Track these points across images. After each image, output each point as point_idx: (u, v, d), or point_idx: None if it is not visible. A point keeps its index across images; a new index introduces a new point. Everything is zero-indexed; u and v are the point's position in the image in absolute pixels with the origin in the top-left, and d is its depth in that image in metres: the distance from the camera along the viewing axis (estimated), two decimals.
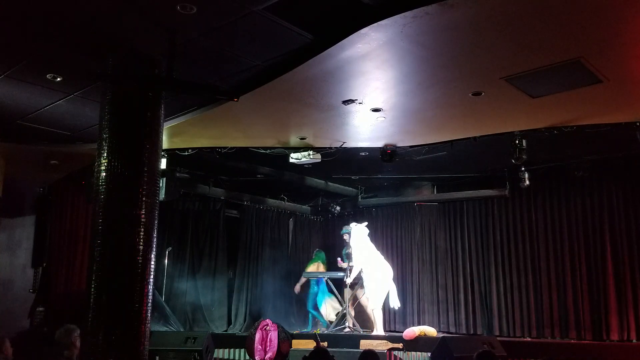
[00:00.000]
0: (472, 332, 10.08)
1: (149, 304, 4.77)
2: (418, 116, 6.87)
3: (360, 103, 6.25)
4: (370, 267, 9.18)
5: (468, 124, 7.12)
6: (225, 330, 10.31)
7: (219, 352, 8.05)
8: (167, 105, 5.36)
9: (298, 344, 7.92)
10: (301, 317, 11.33)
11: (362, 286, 9.36)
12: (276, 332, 7.76)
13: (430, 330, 8.93)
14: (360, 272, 9.21)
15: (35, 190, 9.19)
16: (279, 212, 11.91)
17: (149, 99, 5.02)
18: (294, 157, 8.08)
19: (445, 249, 10.74)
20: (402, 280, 11.05)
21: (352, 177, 10.48)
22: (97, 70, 5.02)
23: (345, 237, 9.71)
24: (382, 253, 11.29)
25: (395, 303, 9.16)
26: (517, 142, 7.37)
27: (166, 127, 6.30)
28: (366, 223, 9.70)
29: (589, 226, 9.24)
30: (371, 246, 9.42)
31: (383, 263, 9.29)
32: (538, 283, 9.58)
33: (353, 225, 9.64)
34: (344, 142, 7.84)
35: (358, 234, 9.44)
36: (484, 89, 5.85)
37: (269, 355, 7.67)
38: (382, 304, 9.11)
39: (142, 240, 4.73)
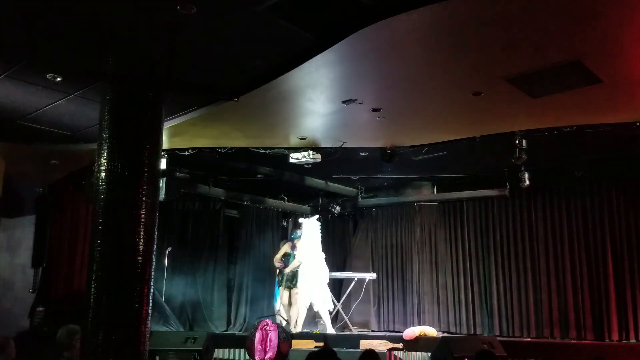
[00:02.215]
0: (472, 332, 10.07)
1: (149, 304, 4.77)
2: (418, 116, 6.87)
3: (360, 103, 6.25)
4: (308, 265, 9.20)
5: (468, 124, 7.12)
6: (225, 330, 10.31)
7: (219, 352, 8.05)
8: (167, 105, 5.36)
9: (298, 344, 7.91)
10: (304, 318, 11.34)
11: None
12: (276, 332, 7.76)
13: (430, 330, 8.93)
14: (298, 266, 9.28)
15: (35, 190, 9.18)
16: (278, 212, 11.90)
17: (149, 99, 5.03)
18: (294, 157, 8.07)
19: (445, 249, 10.74)
20: (402, 280, 11.06)
21: (352, 177, 10.47)
22: (97, 70, 5.02)
23: (296, 242, 9.70)
24: (382, 253, 11.39)
25: (320, 307, 9.09)
26: (517, 142, 7.37)
27: (166, 127, 6.30)
28: (317, 216, 9.73)
29: (589, 226, 9.23)
30: (317, 244, 9.39)
31: (321, 264, 9.28)
32: (538, 283, 9.57)
33: (304, 219, 9.63)
34: (344, 142, 7.84)
35: (308, 228, 9.44)
36: (484, 89, 5.85)
37: (269, 355, 7.66)
38: (308, 304, 9.06)
39: (142, 240, 4.73)
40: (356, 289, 10.40)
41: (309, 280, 9.13)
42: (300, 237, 9.76)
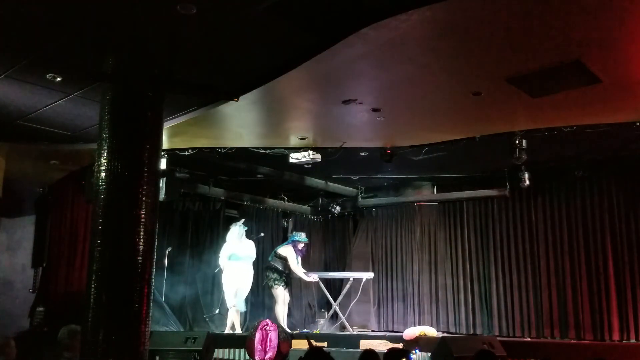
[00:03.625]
0: (472, 332, 10.07)
1: (149, 304, 4.77)
2: (418, 116, 6.87)
3: (360, 103, 6.25)
4: (230, 267, 9.22)
5: (468, 124, 7.12)
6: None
7: (219, 352, 8.05)
8: (167, 105, 5.36)
9: (298, 344, 7.91)
10: (301, 317, 11.34)
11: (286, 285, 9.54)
12: (276, 332, 7.75)
13: (430, 330, 8.94)
14: (220, 268, 9.33)
15: (35, 190, 9.18)
16: (278, 212, 11.90)
17: (149, 99, 5.03)
18: (294, 157, 8.07)
19: (445, 249, 10.73)
20: (402, 280, 11.05)
21: (352, 177, 10.48)
22: (97, 70, 5.02)
23: (301, 245, 9.64)
24: (382, 253, 11.38)
25: (238, 306, 9.15)
26: (517, 142, 7.37)
27: (166, 127, 6.30)
28: (243, 220, 9.71)
29: (589, 226, 9.23)
30: (239, 247, 9.34)
31: (245, 267, 9.26)
32: (538, 283, 9.57)
33: (233, 225, 9.61)
34: (344, 142, 7.84)
35: (232, 232, 9.45)
36: (484, 89, 5.85)
37: (269, 355, 7.66)
38: (232, 304, 9.10)
39: (142, 240, 4.74)
40: (355, 289, 10.41)
41: (229, 281, 9.16)
42: (302, 241, 9.73)
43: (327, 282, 10.61)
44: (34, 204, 9.18)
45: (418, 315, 10.67)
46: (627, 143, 7.78)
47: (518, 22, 4.46)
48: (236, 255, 9.29)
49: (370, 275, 10.43)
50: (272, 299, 9.78)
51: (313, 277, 9.99)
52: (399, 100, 6.28)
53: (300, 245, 9.66)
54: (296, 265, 9.54)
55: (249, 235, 9.73)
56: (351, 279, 10.20)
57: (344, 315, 10.00)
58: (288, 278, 9.64)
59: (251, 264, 9.38)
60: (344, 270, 11.51)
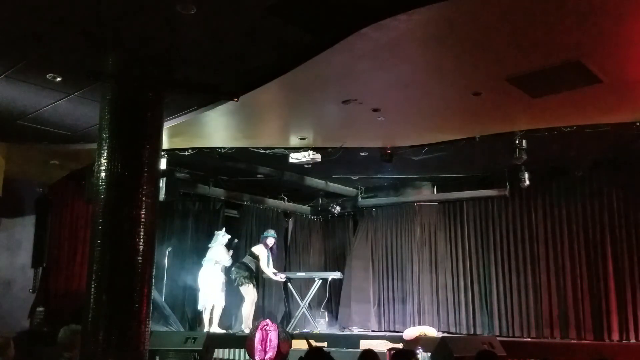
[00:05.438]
0: (472, 332, 10.07)
1: (149, 304, 4.77)
2: (418, 116, 6.88)
3: (360, 103, 6.26)
4: (205, 269, 9.36)
5: (468, 124, 7.13)
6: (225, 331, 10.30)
7: (219, 352, 8.05)
8: (167, 105, 5.36)
9: (298, 344, 7.91)
10: (301, 317, 11.30)
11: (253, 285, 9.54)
12: (276, 332, 7.76)
13: (430, 330, 8.94)
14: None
15: (35, 190, 9.18)
16: (278, 212, 11.90)
17: (149, 99, 5.03)
18: (294, 157, 8.08)
19: (445, 249, 10.72)
20: (402, 280, 11.04)
21: (352, 177, 10.48)
22: (97, 70, 5.02)
23: (269, 241, 9.64)
24: (382, 253, 11.37)
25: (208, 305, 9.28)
26: (517, 142, 7.37)
27: (166, 127, 6.30)
28: (224, 229, 9.78)
29: (589, 226, 9.23)
30: (219, 253, 9.44)
31: (216, 269, 9.36)
32: (538, 283, 9.57)
33: (217, 232, 9.71)
34: (344, 142, 7.85)
35: (216, 239, 9.58)
36: (484, 89, 5.86)
37: (269, 355, 7.66)
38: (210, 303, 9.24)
39: (142, 240, 4.74)
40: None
41: (206, 282, 9.27)
42: (269, 236, 9.74)
43: (325, 282, 10.53)
44: (34, 204, 9.17)
45: (418, 315, 10.65)
46: (627, 143, 7.77)
47: (518, 22, 4.47)
48: (204, 259, 9.45)
49: (337, 274, 10.38)
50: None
51: (280, 276, 9.99)
52: (399, 100, 6.29)
53: (270, 241, 9.65)
54: (266, 264, 9.58)
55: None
56: (316, 278, 10.18)
57: (309, 313, 10.04)
58: (257, 278, 9.67)
59: (213, 268, 9.37)
60: (343, 270, 11.48)
